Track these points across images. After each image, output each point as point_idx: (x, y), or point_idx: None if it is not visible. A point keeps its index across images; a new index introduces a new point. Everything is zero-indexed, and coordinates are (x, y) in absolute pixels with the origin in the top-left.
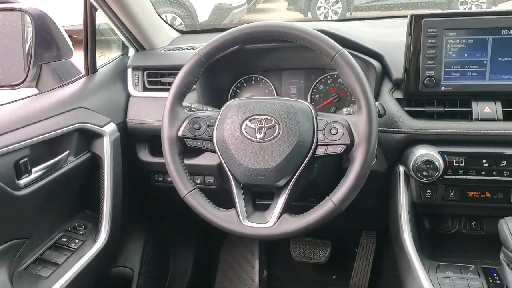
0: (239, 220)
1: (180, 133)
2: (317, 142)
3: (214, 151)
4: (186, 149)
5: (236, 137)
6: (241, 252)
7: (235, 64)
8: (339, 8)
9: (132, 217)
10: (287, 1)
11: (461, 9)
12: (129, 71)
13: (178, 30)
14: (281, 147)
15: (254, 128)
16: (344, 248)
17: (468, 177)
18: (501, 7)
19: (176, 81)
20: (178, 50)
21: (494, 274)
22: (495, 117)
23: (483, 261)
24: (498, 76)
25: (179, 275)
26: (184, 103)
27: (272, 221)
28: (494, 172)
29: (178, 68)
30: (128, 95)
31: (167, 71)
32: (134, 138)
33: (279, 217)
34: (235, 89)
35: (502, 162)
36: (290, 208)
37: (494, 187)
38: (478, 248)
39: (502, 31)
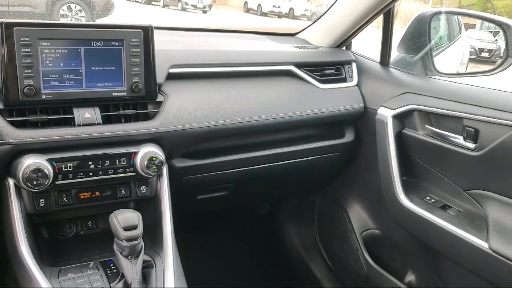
0: None
1: None
2: None
3: None
4: None
5: None
6: None
7: None
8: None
9: None
10: None
11: (62, 21)
12: None
13: None
14: None
15: None
16: None
17: (78, 180)
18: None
19: None
20: None
21: (111, 264)
22: (95, 121)
23: (102, 256)
24: (94, 84)
25: None
26: None
27: None
28: (100, 172)
29: None
30: None
31: None
32: None
33: None
34: None
35: (106, 162)
36: None
37: (103, 186)
38: (96, 245)
39: (92, 42)
